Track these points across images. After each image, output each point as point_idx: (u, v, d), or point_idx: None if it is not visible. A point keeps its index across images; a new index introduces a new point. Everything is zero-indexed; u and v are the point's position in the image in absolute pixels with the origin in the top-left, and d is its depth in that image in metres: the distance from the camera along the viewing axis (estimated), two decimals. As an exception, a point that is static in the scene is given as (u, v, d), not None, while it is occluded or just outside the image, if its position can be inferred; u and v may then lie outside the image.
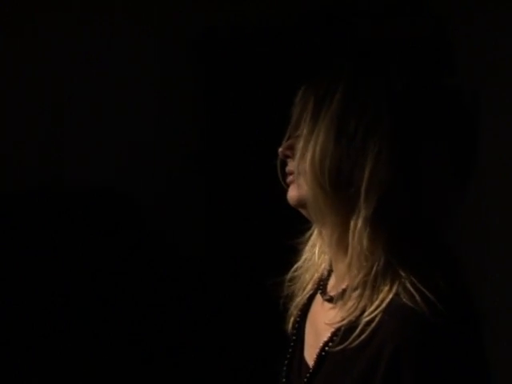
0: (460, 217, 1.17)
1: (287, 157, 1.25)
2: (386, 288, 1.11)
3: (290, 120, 1.25)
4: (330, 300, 1.24)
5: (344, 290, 1.18)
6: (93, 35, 3.03)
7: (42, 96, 2.99)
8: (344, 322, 1.14)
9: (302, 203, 1.21)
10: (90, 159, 3.06)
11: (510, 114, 2.82)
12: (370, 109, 1.14)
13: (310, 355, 1.26)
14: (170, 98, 3.14)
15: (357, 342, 1.12)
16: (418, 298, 1.07)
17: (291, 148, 1.23)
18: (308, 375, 1.24)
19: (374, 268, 1.12)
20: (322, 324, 1.22)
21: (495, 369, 1.14)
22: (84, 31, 3.02)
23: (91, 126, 3.06)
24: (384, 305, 1.10)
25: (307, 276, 1.36)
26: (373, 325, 1.10)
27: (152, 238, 2.90)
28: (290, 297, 1.37)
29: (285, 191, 1.25)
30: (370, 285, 1.12)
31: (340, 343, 1.14)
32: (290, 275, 1.37)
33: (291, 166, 1.24)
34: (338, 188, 1.14)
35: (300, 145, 1.19)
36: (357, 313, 1.13)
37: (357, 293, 1.14)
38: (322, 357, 1.21)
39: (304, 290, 1.36)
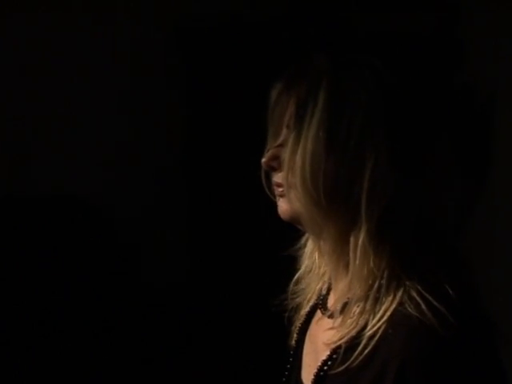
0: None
1: (273, 169, 1.16)
2: (390, 298, 1.06)
3: (266, 125, 1.18)
4: (331, 316, 1.18)
5: (345, 305, 1.13)
6: (62, 22, 2.86)
7: (5, 96, 2.85)
8: (344, 340, 1.09)
9: (296, 218, 1.14)
10: (51, 163, 2.93)
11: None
12: (362, 106, 1.06)
13: (307, 376, 1.21)
14: (147, 92, 3.01)
15: (359, 359, 1.06)
16: (424, 307, 1.02)
17: (276, 158, 1.15)
18: None
19: (377, 281, 1.07)
20: (320, 342, 1.17)
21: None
22: (53, 18, 2.86)
23: (58, 126, 2.93)
24: (387, 316, 1.05)
25: (312, 285, 1.30)
26: (375, 339, 1.05)
27: (126, 250, 2.87)
28: (295, 309, 1.32)
29: (274, 201, 1.19)
30: (373, 297, 1.07)
31: (341, 363, 1.09)
32: (292, 287, 1.32)
33: (278, 178, 1.16)
34: (335, 201, 1.08)
35: (286, 155, 1.10)
36: (358, 328, 1.08)
37: (359, 307, 1.09)
38: (319, 378, 1.14)
39: (309, 301, 1.31)
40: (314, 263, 1.30)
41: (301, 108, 1.09)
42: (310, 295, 1.32)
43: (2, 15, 2.78)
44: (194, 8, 2.92)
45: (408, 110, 1.08)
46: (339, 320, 1.12)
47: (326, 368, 1.14)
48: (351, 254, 1.09)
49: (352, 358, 1.07)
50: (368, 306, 1.08)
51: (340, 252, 1.11)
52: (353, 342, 1.08)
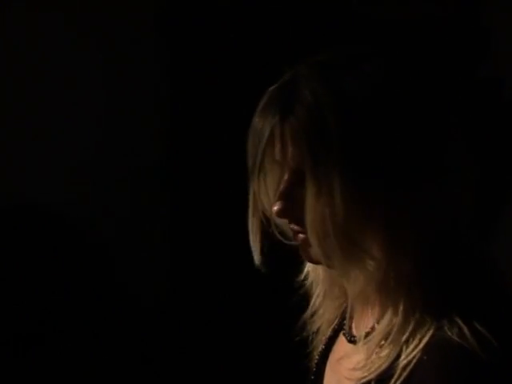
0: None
1: (289, 220, 1.09)
2: (426, 324, 1.01)
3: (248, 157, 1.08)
4: (354, 341, 1.13)
5: (371, 330, 1.08)
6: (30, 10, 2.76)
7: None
8: (373, 376, 1.03)
9: (327, 262, 1.08)
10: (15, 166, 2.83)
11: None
12: (378, 122, 0.99)
13: None
14: (124, 87, 2.91)
15: None
16: (466, 331, 0.96)
17: (290, 208, 1.06)
18: None
19: (411, 308, 1.01)
20: (345, 371, 1.12)
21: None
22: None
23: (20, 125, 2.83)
24: (423, 343, 0.99)
25: (330, 310, 1.24)
26: (410, 367, 1.00)
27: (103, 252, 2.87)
28: (316, 332, 1.26)
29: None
30: (407, 328, 1.02)
31: None
32: (308, 319, 1.25)
33: (295, 226, 1.09)
34: (370, 249, 1.03)
35: (308, 203, 1.02)
36: (391, 359, 1.02)
37: (390, 339, 1.03)
38: None
39: (330, 324, 1.26)
40: (328, 288, 1.23)
41: (312, 136, 0.99)
42: (334, 316, 1.26)
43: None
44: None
45: (411, 111, 1.01)
46: (365, 348, 1.07)
47: None
48: (383, 291, 1.04)
49: None
50: (403, 336, 1.02)
51: (370, 289, 1.07)
52: (384, 375, 1.03)
